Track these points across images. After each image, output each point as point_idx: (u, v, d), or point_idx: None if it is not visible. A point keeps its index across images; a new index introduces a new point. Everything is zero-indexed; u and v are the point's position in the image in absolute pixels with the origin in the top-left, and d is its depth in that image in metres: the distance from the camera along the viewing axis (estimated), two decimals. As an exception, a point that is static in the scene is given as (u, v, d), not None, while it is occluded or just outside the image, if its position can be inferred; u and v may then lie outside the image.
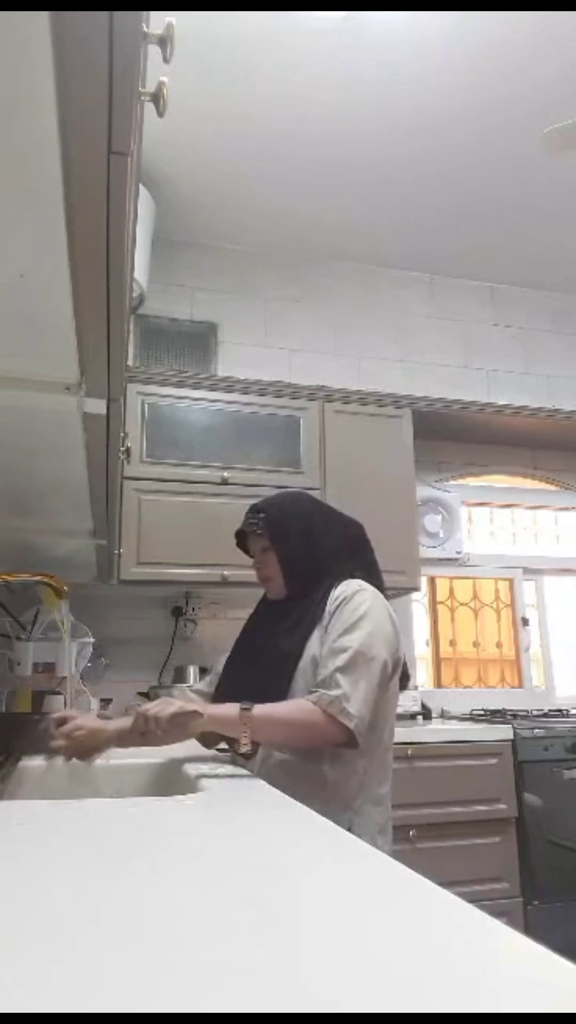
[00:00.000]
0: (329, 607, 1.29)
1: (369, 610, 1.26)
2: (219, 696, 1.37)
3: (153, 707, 1.15)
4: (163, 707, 1.14)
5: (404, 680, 1.35)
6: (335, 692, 1.16)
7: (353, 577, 1.34)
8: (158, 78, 0.60)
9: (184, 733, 1.17)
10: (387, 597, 1.36)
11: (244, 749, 1.14)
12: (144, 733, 1.15)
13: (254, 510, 1.43)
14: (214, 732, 1.25)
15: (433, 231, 3.29)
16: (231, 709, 1.16)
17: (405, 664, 1.35)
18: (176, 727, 1.14)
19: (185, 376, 2.75)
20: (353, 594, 1.29)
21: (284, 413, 2.80)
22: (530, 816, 2.35)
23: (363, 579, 1.35)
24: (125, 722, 1.25)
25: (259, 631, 1.43)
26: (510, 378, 3.61)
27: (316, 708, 1.16)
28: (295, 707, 1.18)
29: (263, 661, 1.34)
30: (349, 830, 1.19)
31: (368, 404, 2.90)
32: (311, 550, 1.38)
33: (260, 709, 1.16)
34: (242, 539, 1.48)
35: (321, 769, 1.23)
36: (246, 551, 1.49)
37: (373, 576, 1.39)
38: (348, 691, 1.17)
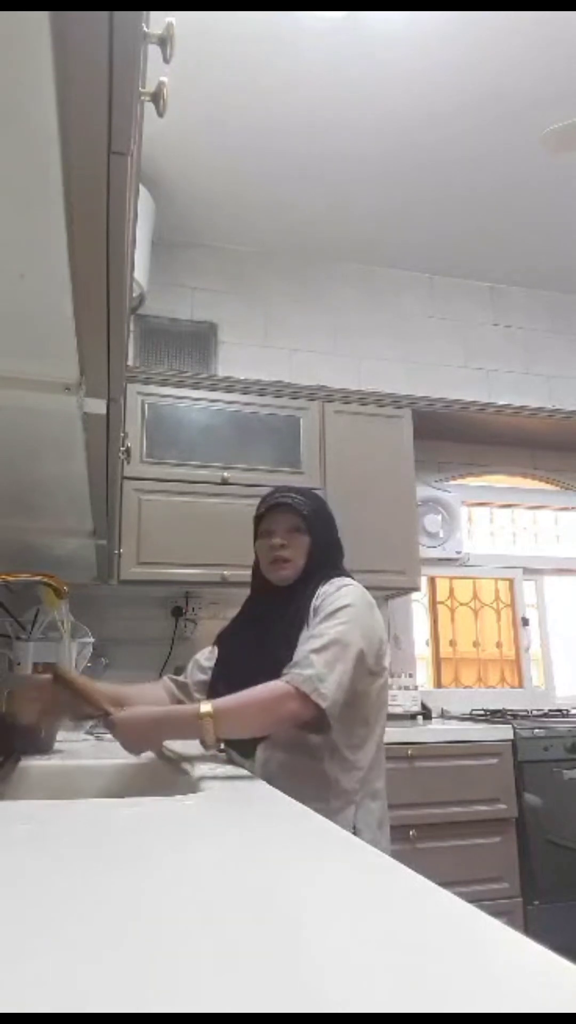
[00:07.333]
0: (314, 603, 1.31)
1: (351, 602, 1.27)
2: (212, 695, 1.36)
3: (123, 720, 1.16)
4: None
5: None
6: (308, 671, 1.14)
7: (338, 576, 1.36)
8: (158, 78, 0.60)
9: (140, 746, 1.18)
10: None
11: (209, 743, 1.11)
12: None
13: (287, 490, 1.43)
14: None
15: (433, 231, 3.30)
16: (189, 708, 1.16)
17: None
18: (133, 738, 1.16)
19: (185, 376, 2.75)
20: (336, 589, 1.30)
21: (284, 413, 2.80)
22: (530, 816, 2.35)
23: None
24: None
25: (254, 631, 1.41)
26: (510, 378, 3.61)
27: (287, 686, 1.14)
28: (264, 688, 1.15)
29: (260, 666, 1.30)
30: (353, 825, 1.21)
31: (368, 404, 2.90)
32: (334, 550, 1.42)
33: (222, 700, 1.14)
34: (264, 514, 1.42)
35: (322, 767, 1.24)
36: (256, 528, 1.44)
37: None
38: (322, 672, 1.15)
